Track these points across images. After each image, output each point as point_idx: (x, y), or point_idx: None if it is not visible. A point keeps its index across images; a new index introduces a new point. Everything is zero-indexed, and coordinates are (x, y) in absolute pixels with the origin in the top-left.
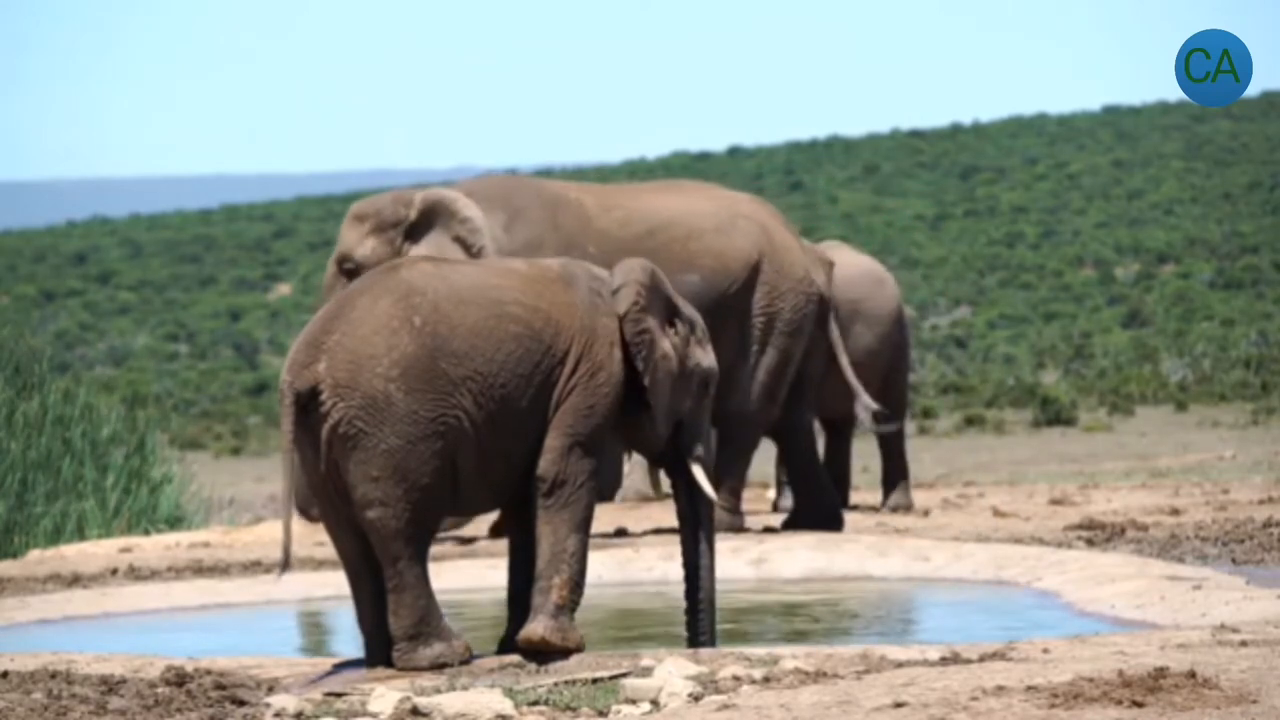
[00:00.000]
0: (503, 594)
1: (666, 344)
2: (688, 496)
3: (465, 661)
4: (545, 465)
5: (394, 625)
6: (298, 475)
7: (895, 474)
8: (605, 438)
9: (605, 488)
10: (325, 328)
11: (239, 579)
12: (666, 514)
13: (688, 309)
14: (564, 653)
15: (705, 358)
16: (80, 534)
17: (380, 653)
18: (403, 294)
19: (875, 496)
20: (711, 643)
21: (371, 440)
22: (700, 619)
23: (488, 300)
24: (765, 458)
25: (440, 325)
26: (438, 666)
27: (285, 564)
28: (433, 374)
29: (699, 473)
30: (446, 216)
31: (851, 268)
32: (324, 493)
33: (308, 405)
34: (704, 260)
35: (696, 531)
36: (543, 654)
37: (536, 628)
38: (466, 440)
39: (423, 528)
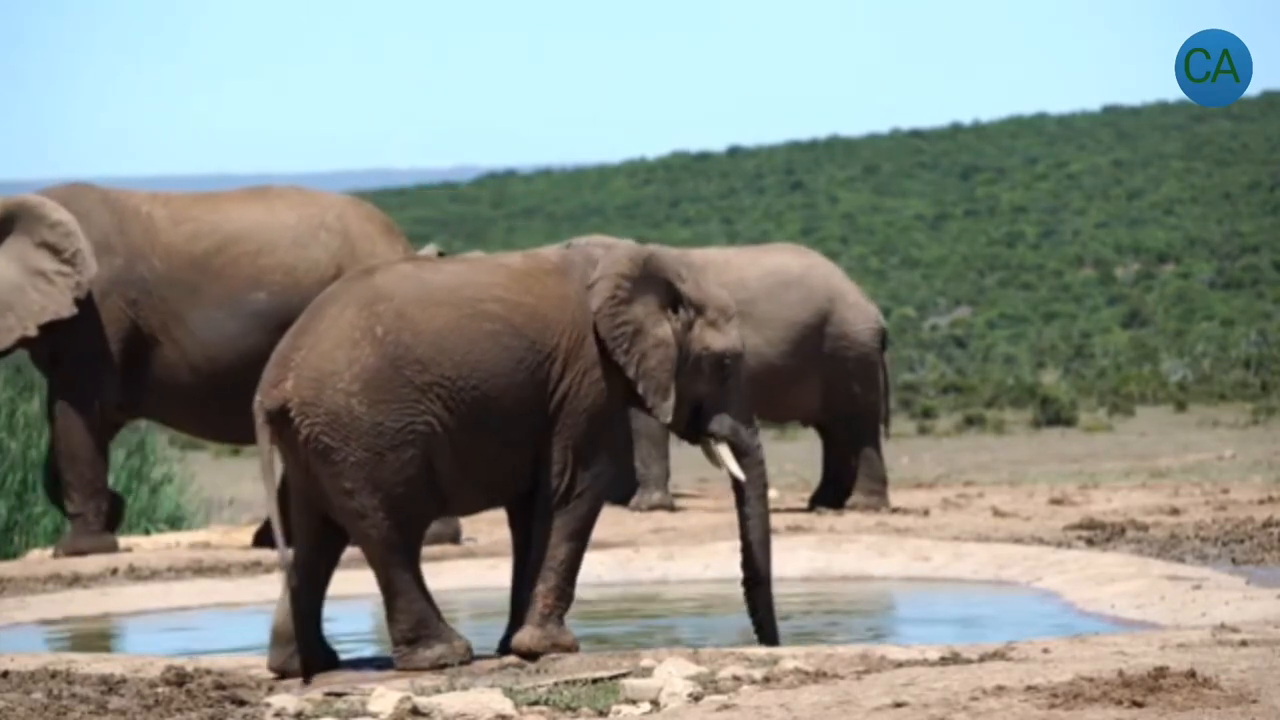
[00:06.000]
0: (502, 594)
1: (663, 330)
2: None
3: (466, 662)
4: (545, 475)
5: (392, 630)
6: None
7: (865, 475)
8: (609, 437)
9: (617, 489)
10: (294, 343)
11: (239, 579)
12: (668, 515)
13: (698, 291)
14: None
15: (717, 339)
16: None
17: (278, 651)
18: (368, 302)
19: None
20: (767, 577)
21: (340, 454)
22: (752, 557)
23: (460, 300)
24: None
25: (403, 333)
26: (439, 668)
27: (288, 566)
28: (395, 384)
29: (724, 451)
30: (30, 221)
31: (749, 269)
32: (297, 501)
33: (279, 422)
34: (274, 276)
35: (745, 494)
36: (536, 659)
37: (524, 637)
38: (441, 445)
39: (406, 532)
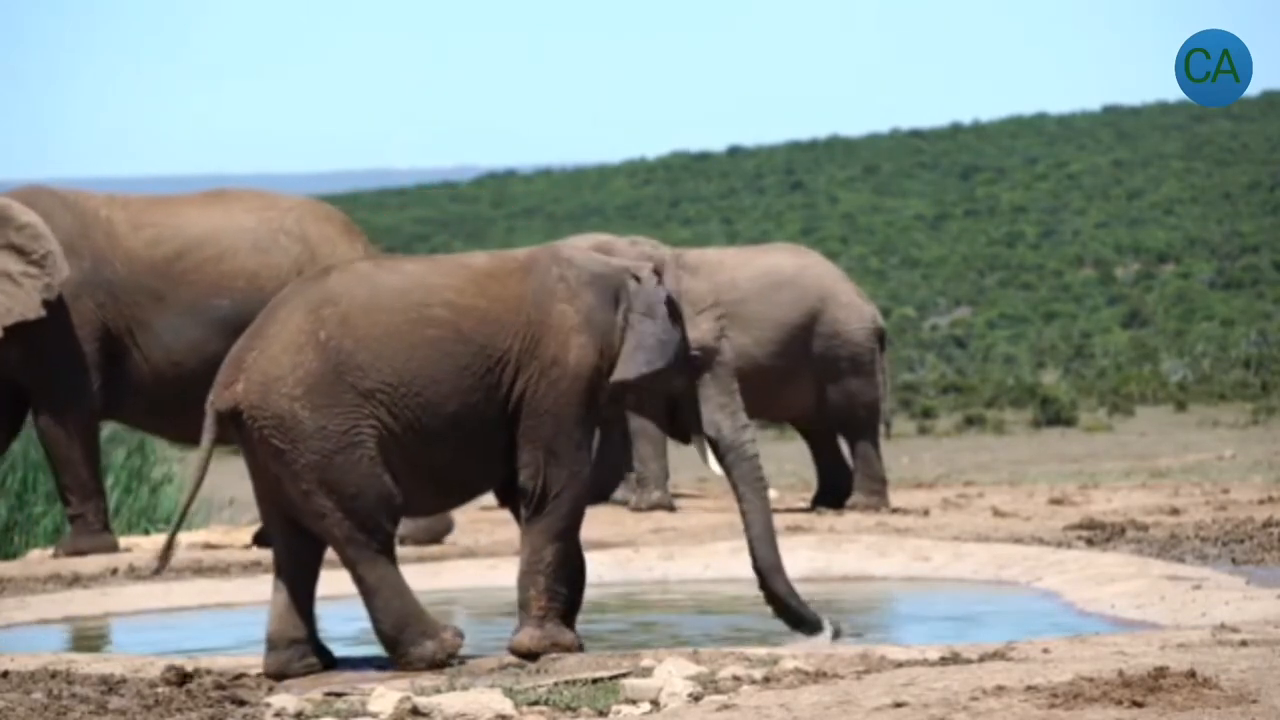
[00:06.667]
0: (503, 594)
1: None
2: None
3: (461, 660)
4: (523, 478)
5: (376, 631)
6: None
7: (864, 474)
8: (583, 434)
9: (603, 486)
10: (247, 344)
11: (239, 579)
12: (668, 515)
13: (671, 287)
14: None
15: (691, 335)
16: None
17: (275, 656)
18: (316, 305)
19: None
20: (776, 566)
21: (290, 457)
22: (755, 547)
23: (407, 304)
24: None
25: (345, 339)
26: (437, 665)
27: (162, 564)
28: (337, 389)
29: (705, 447)
30: None
31: (742, 270)
32: (262, 500)
33: (232, 424)
34: (236, 283)
35: (737, 490)
36: (536, 660)
37: (523, 638)
38: (390, 449)
39: (370, 531)
